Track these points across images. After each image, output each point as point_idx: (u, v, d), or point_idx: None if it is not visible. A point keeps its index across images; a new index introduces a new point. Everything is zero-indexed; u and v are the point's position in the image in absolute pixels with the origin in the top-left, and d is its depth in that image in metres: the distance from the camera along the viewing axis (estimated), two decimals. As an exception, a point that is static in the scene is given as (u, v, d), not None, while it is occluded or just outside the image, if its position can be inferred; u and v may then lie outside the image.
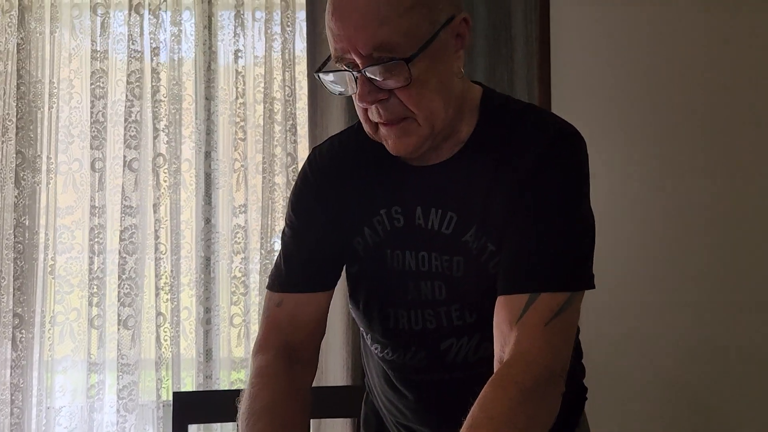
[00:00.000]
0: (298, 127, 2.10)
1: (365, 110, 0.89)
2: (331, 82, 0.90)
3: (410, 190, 0.95)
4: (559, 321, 0.83)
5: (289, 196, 1.07)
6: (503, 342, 0.84)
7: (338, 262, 1.02)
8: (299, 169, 1.09)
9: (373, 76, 0.84)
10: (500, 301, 0.86)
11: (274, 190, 2.09)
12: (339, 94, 0.92)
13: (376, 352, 1.05)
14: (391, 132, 0.88)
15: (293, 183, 1.06)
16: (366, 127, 0.92)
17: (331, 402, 1.49)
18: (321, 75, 0.90)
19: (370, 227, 0.98)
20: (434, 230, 0.94)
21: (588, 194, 0.91)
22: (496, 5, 2.02)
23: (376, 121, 0.88)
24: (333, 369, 1.98)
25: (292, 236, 1.02)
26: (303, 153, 2.08)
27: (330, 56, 0.89)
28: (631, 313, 1.99)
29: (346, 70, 0.86)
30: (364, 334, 1.06)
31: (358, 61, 0.84)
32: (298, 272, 1.00)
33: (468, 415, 0.76)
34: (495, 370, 0.83)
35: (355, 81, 0.85)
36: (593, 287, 0.88)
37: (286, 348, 0.98)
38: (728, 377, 1.98)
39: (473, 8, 2.02)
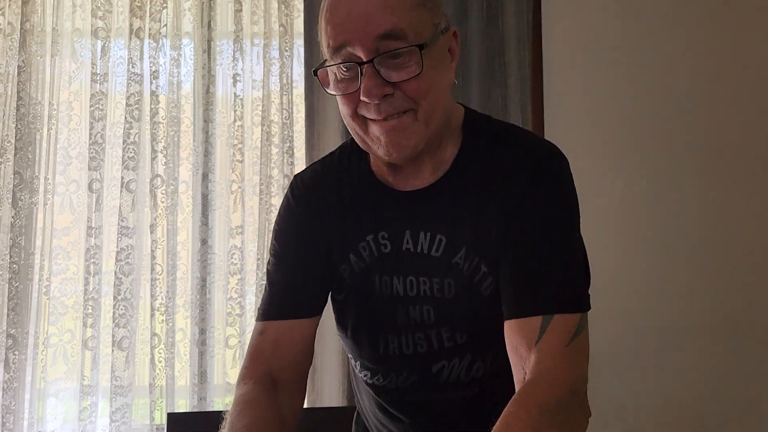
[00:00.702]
0: (295, 150, 2.12)
1: (355, 107, 0.85)
2: (326, 80, 0.87)
3: (397, 215, 0.94)
4: (579, 341, 0.83)
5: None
6: (523, 364, 0.83)
7: (323, 289, 1.00)
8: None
9: (380, 69, 0.81)
10: (512, 324, 0.85)
11: (271, 211, 2.10)
12: (332, 94, 0.88)
13: (365, 379, 1.04)
14: (386, 127, 0.84)
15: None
16: (354, 129, 0.89)
17: (326, 423, 1.48)
18: (320, 72, 0.86)
19: (355, 254, 0.96)
20: (423, 254, 0.93)
21: (578, 213, 0.91)
22: (490, 32, 2.07)
23: (372, 117, 0.85)
24: (328, 390, 1.97)
25: (276, 264, 1.00)
26: (300, 175, 2.10)
27: (325, 61, 0.86)
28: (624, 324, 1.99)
29: (348, 63, 0.82)
30: (353, 361, 1.05)
31: (362, 54, 0.81)
32: (280, 300, 0.98)
33: (494, 429, 0.75)
34: (516, 391, 0.82)
35: (359, 76, 0.81)
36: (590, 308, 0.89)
37: (269, 376, 0.95)
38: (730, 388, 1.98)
39: (468, 34, 2.06)
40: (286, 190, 1.03)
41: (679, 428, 1.96)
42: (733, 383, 1.98)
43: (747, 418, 1.94)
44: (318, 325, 1.00)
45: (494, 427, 0.75)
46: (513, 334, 0.85)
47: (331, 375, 1.96)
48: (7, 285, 1.99)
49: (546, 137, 2.05)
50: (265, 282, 1.02)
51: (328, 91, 0.87)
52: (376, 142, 0.87)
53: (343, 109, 0.87)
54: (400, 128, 0.84)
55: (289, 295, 0.97)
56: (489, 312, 0.89)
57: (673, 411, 1.98)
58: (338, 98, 0.87)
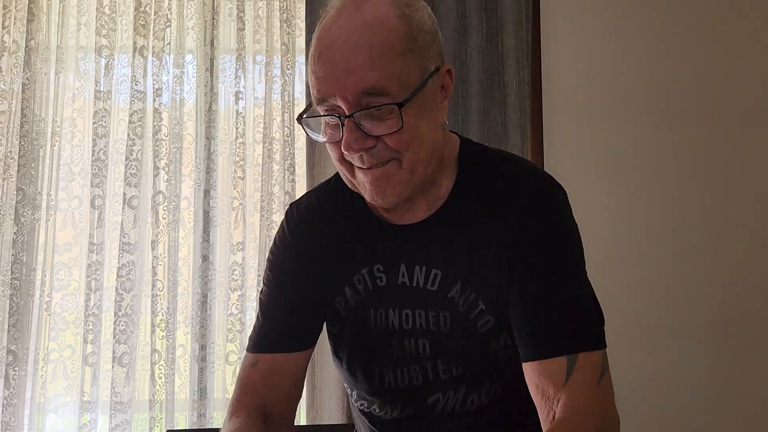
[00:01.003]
0: (296, 167, 2.14)
1: (341, 153, 0.84)
2: (311, 130, 0.87)
3: (392, 248, 0.94)
4: (606, 379, 0.83)
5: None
6: (550, 405, 0.82)
7: (316, 322, 1.00)
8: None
9: (361, 122, 0.81)
10: (534, 366, 0.84)
11: (272, 228, 2.11)
12: (317, 142, 0.88)
13: (361, 408, 1.04)
14: (370, 176, 0.84)
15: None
16: (343, 173, 0.89)
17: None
18: (304, 121, 0.86)
19: (350, 287, 0.96)
20: (419, 287, 0.92)
21: (582, 247, 0.90)
22: (489, 52, 2.09)
23: (357, 165, 0.85)
24: (327, 407, 1.97)
25: (269, 295, 0.99)
26: (300, 191, 2.12)
27: (310, 104, 0.86)
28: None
29: (330, 115, 0.82)
30: (349, 389, 1.05)
31: (344, 107, 0.80)
32: (273, 332, 0.97)
33: None
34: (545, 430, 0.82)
35: (340, 127, 0.81)
36: None
37: (260, 409, 0.95)
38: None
39: (468, 54, 2.09)
40: (282, 219, 1.03)
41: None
42: (734, 383, 1.98)
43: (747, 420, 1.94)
44: (311, 357, 1.00)
45: None
46: (537, 375, 0.84)
47: (331, 392, 1.96)
48: (8, 301, 2.00)
49: (545, 158, 2.09)
50: (257, 310, 1.01)
51: (312, 136, 0.88)
52: (362, 188, 0.87)
53: (331, 154, 0.87)
54: (384, 177, 0.84)
55: (282, 327, 0.97)
56: (485, 348, 0.90)
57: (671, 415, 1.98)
58: (326, 144, 0.87)
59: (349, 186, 0.90)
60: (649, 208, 2.06)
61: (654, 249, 2.05)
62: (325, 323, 1.01)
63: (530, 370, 0.84)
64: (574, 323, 0.84)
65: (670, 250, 2.05)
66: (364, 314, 0.96)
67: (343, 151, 0.83)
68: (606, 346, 0.85)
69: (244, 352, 1.00)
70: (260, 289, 1.01)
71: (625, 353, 2.00)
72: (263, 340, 0.97)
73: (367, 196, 0.87)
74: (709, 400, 1.99)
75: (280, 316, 0.97)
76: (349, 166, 0.86)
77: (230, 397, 0.98)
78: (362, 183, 0.86)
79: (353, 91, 0.79)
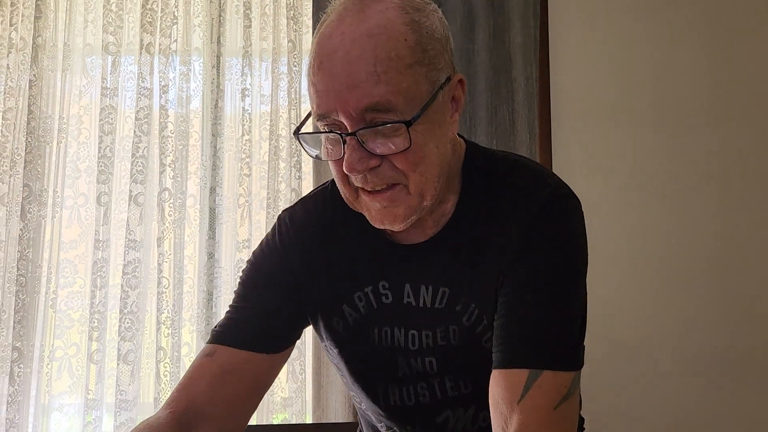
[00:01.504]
0: (302, 164, 2.13)
1: (346, 175, 0.78)
2: (309, 146, 0.80)
3: (397, 267, 0.89)
4: (568, 406, 0.75)
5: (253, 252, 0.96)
6: (503, 423, 0.76)
7: (291, 332, 0.93)
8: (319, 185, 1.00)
9: (365, 140, 0.74)
10: (496, 375, 0.78)
11: (278, 225, 2.10)
12: (316, 158, 0.81)
13: (371, 420, 1.01)
14: (376, 201, 0.78)
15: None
16: (345, 194, 0.82)
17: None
18: (301, 137, 0.79)
19: (350, 305, 0.91)
20: (426, 307, 0.87)
21: (585, 261, 0.84)
22: (496, 48, 2.08)
23: (360, 186, 0.79)
24: (334, 406, 1.95)
25: (244, 292, 0.92)
26: (307, 188, 2.11)
27: (309, 114, 0.79)
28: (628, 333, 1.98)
29: (330, 132, 0.76)
30: (356, 402, 1.01)
31: (346, 123, 0.74)
32: (240, 326, 0.89)
33: None
34: None
35: (342, 145, 0.75)
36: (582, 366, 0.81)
37: (194, 411, 0.84)
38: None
39: (475, 50, 2.08)
40: (273, 225, 0.95)
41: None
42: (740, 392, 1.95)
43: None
44: (278, 371, 0.92)
45: None
46: (495, 386, 0.78)
47: (337, 391, 1.95)
48: (14, 298, 1.99)
49: (554, 154, 2.07)
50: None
51: (310, 153, 0.81)
52: (367, 212, 0.81)
53: (333, 171, 0.81)
54: (392, 203, 0.78)
55: (252, 324, 0.89)
56: (489, 367, 0.83)
57: (674, 417, 1.95)
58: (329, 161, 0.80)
59: (350, 206, 0.83)
60: (659, 207, 2.04)
61: (665, 249, 2.03)
62: (321, 342, 0.96)
63: (492, 380, 0.79)
64: (547, 339, 0.77)
65: (681, 250, 2.02)
66: (367, 332, 0.91)
67: (345, 173, 0.76)
68: (580, 367, 0.78)
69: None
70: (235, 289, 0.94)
71: (635, 352, 1.98)
72: (227, 331, 0.89)
73: (373, 221, 0.81)
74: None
75: (253, 312, 0.89)
76: (353, 189, 0.80)
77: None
78: (367, 207, 0.80)
79: (356, 107, 0.73)
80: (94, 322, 2.02)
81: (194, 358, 2.09)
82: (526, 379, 0.75)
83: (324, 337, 0.94)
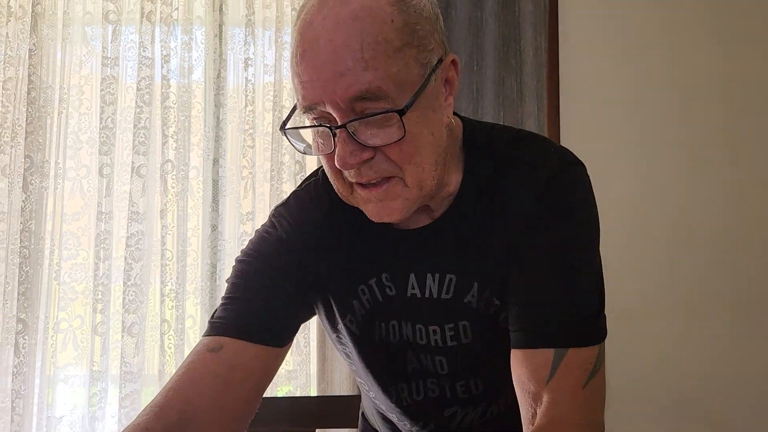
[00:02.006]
0: (306, 136, 2.10)
1: (338, 170, 0.74)
2: (297, 141, 0.75)
3: (400, 256, 0.85)
4: (596, 382, 0.74)
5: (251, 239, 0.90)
6: (532, 400, 0.75)
7: (297, 325, 0.87)
8: (307, 175, 0.95)
9: (356, 132, 0.70)
10: (519, 355, 0.77)
11: (282, 197, 2.07)
12: (304, 153, 0.76)
13: (380, 408, 1.00)
14: (372, 195, 0.74)
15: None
16: (338, 189, 0.77)
17: (337, 411, 1.46)
18: (288, 132, 0.74)
19: (357, 300, 0.87)
20: (432, 298, 0.84)
21: (598, 229, 0.81)
22: (506, 17, 2.03)
23: (354, 181, 0.74)
24: (338, 378, 1.95)
25: (245, 279, 0.85)
26: (311, 161, 2.08)
27: (294, 107, 0.75)
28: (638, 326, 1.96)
29: (320, 126, 0.71)
30: (364, 391, 1.00)
31: (335, 115, 0.69)
32: (250, 317, 0.81)
33: None
34: (525, 430, 0.75)
35: (332, 138, 0.71)
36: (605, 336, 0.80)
37: (191, 419, 0.74)
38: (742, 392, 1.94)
39: (483, 20, 2.03)
40: (268, 218, 0.90)
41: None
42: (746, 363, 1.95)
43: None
44: (277, 369, 0.85)
45: None
46: (520, 366, 0.76)
47: (341, 363, 1.94)
48: (17, 269, 1.99)
49: (561, 126, 2.04)
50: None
51: (298, 149, 0.76)
52: (363, 206, 0.77)
53: (324, 165, 0.77)
54: (387, 196, 0.74)
55: (261, 314, 0.81)
56: (508, 347, 0.80)
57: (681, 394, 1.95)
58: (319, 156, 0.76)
59: (345, 200, 0.79)
60: (666, 182, 2.01)
61: (672, 227, 2.00)
62: (330, 331, 0.92)
63: (515, 360, 0.77)
64: (568, 316, 0.76)
65: (688, 231, 2.00)
66: (375, 327, 0.88)
67: (338, 167, 0.72)
68: (604, 338, 0.77)
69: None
70: (228, 279, 0.86)
71: (651, 330, 1.96)
72: (234, 323, 0.80)
73: (370, 215, 0.76)
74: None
75: (259, 304, 0.82)
76: (347, 184, 0.76)
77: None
78: (363, 201, 0.76)
79: (344, 97, 0.68)
80: (98, 294, 2.02)
81: (198, 331, 2.09)
82: (552, 359, 0.74)
83: (334, 330, 0.91)
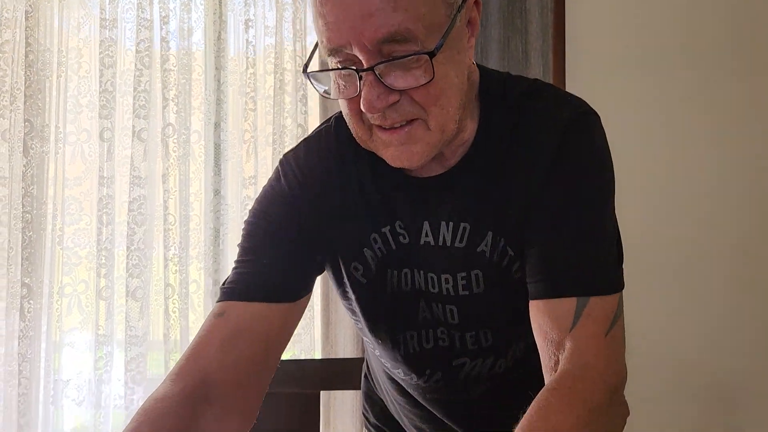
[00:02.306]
0: (308, 98, 2.07)
1: (357, 109, 0.72)
2: (319, 83, 0.74)
3: (414, 204, 0.84)
4: (617, 330, 0.75)
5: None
6: (554, 348, 0.75)
7: (305, 276, 0.86)
8: (319, 123, 0.93)
9: (382, 75, 0.69)
10: (540, 305, 0.77)
11: (284, 162, 2.06)
12: (324, 95, 0.75)
13: (386, 366, 0.99)
14: (393, 138, 0.73)
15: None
16: (357, 132, 0.76)
17: (341, 374, 1.47)
18: (311, 75, 0.73)
19: (369, 248, 0.86)
20: (446, 246, 0.83)
21: (614, 178, 0.81)
22: (511, -24, 1.99)
23: (377, 124, 0.74)
24: (342, 341, 1.96)
25: (252, 241, 0.84)
26: (313, 124, 2.06)
27: (316, 47, 0.73)
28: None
29: (344, 69, 0.70)
30: (372, 348, 0.99)
31: (362, 57, 0.68)
32: (253, 279, 0.81)
33: (524, 423, 0.67)
34: (548, 380, 0.74)
35: (357, 81, 0.69)
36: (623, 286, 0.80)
37: (206, 381, 0.76)
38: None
39: (488, -22, 1.98)
40: (275, 169, 0.88)
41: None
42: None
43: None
44: (293, 327, 0.85)
45: (529, 415, 0.68)
46: (542, 316, 0.76)
47: (345, 327, 1.95)
48: (20, 235, 1.98)
49: (568, 88, 2.00)
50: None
51: (320, 92, 0.75)
52: (383, 150, 0.76)
53: (344, 109, 0.76)
54: (411, 140, 0.73)
55: (264, 274, 0.81)
56: (519, 299, 0.81)
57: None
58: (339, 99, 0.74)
59: (363, 145, 0.78)
60: (676, 140, 1.98)
61: (687, 186, 1.98)
62: (336, 286, 0.92)
63: (536, 310, 0.77)
64: (589, 264, 0.76)
65: (704, 188, 1.98)
66: (387, 275, 0.87)
67: (363, 111, 0.71)
68: (623, 288, 0.78)
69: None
70: (238, 243, 0.86)
71: (658, 288, 1.96)
72: (237, 287, 0.81)
73: (389, 159, 0.76)
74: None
75: (263, 264, 0.82)
76: (366, 127, 0.75)
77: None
78: (383, 145, 0.75)
79: (372, 39, 0.67)
80: (101, 259, 2.02)
81: (203, 295, 2.10)
82: (575, 308, 0.74)
83: (341, 283, 0.90)
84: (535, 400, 0.69)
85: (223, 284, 0.84)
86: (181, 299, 2.02)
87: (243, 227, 0.87)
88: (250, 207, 2.03)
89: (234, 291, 0.81)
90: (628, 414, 0.76)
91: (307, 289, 0.86)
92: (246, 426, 0.80)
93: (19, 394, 1.94)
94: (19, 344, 1.96)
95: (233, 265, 0.85)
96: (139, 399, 1.99)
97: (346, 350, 1.95)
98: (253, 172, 2.07)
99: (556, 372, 0.73)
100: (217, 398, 0.77)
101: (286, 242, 0.83)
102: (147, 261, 2.03)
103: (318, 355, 2.01)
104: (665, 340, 1.95)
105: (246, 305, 0.80)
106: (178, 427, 0.72)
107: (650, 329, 1.89)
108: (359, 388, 1.31)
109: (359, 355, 1.90)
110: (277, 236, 0.83)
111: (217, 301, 0.82)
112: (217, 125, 2.05)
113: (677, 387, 1.94)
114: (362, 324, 0.94)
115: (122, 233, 2.03)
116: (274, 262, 0.82)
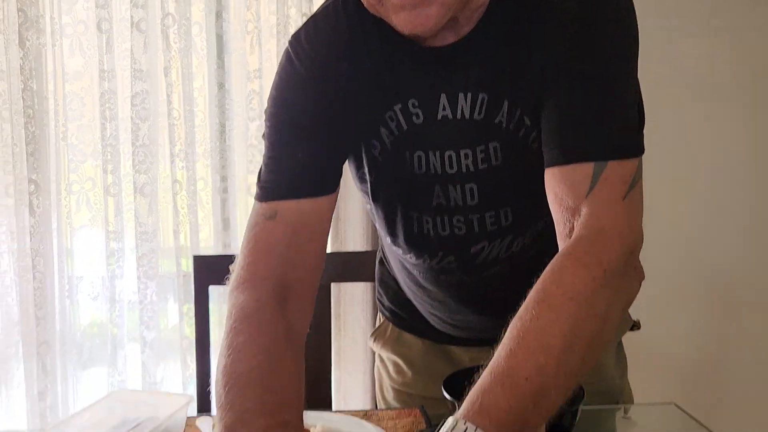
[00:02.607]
0: (314, -14, 1.98)
1: None
2: None
3: (429, 76, 0.81)
4: (635, 193, 0.73)
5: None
6: (569, 215, 0.74)
7: (339, 162, 0.87)
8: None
9: None
10: (556, 172, 0.75)
11: (290, 54, 1.99)
12: None
13: (397, 252, 0.99)
14: (407, 0, 0.71)
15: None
16: None
17: (350, 267, 1.47)
18: None
19: (385, 126, 0.84)
20: (464, 119, 0.81)
21: (638, 39, 0.78)
22: None
23: None
24: (352, 236, 1.97)
25: (279, 134, 0.84)
26: (319, 13, 1.97)
27: None
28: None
29: None
30: (383, 233, 0.98)
31: None
32: (293, 173, 0.81)
33: (538, 287, 0.66)
34: (562, 247, 0.74)
35: None
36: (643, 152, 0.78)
37: (279, 282, 0.78)
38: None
39: None
40: (285, 51, 0.86)
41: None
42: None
43: None
44: (334, 208, 0.86)
45: (542, 280, 0.67)
46: (557, 182, 0.75)
47: (355, 222, 1.95)
48: (23, 130, 1.95)
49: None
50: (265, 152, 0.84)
51: None
52: (394, 16, 0.73)
53: None
54: (424, 3, 0.70)
55: (304, 167, 0.82)
56: (537, 171, 0.79)
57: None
58: None
59: (371, 11, 0.76)
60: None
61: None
62: (356, 170, 0.91)
63: (552, 178, 0.76)
64: (608, 128, 0.74)
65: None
66: (401, 157, 0.85)
67: None
68: (642, 152, 0.76)
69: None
70: (263, 132, 0.85)
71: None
72: (281, 184, 0.81)
73: (401, 24, 0.73)
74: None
75: (300, 154, 0.82)
76: None
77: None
78: (395, 9, 0.72)
79: None
80: (107, 155, 1.99)
81: (210, 193, 2.07)
82: (591, 173, 0.72)
83: (360, 164, 0.89)
84: (549, 264, 0.69)
85: (260, 182, 0.83)
86: (189, 196, 2.02)
87: (265, 119, 0.86)
88: (255, 101, 2.00)
89: (280, 190, 0.81)
90: (643, 278, 0.75)
91: (341, 176, 0.87)
92: (312, 312, 0.82)
93: (35, 288, 1.97)
94: (31, 240, 1.97)
95: (263, 161, 0.83)
96: (153, 294, 2.03)
97: (355, 245, 1.96)
98: (257, 65, 2.01)
99: (570, 238, 0.72)
100: (295, 298, 0.79)
101: (313, 131, 0.82)
102: (153, 157, 2.01)
103: (328, 250, 2.03)
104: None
105: (296, 203, 0.80)
106: (283, 323, 0.74)
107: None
108: (369, 280, 1.32)
109: (369, 248, 1.91)
110: (304, 126, 0.82)
111: (261, 201, 0.82)
112: (218, 15, 1.97)
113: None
114: (378, 207, 0.92)
115: (126, 129, 2.00)
116: (308, 154, 0.82)
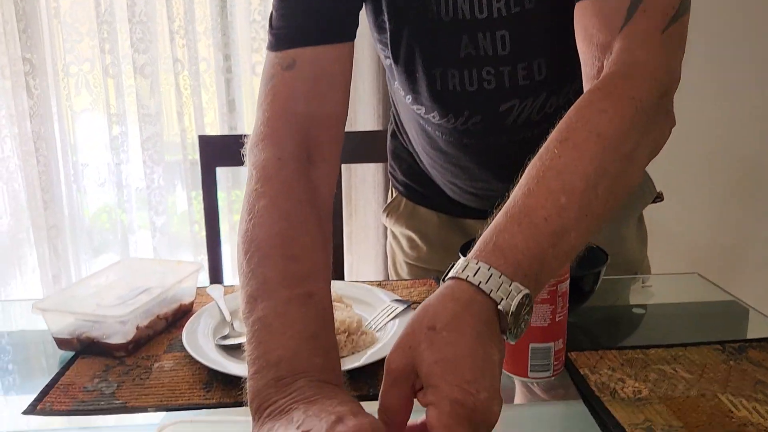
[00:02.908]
0: None
1: None
2: None
3: None
4: (677, 28, 0.64)
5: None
6: (599, 53, 0.65)
7: (356, 6, 0.79)
8: None
9: None
10: (587, 5, 0.67)
11: None
12: None
13: (419, 112, 0.92)
14: None
15: None
16: None
17: (361, 147, 1.42)
18: None
19: None
20: None
21: None
22: None
23: None
24: (363, 117, 1.90)
25: None
26: None
27: None
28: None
29: None
30: (402, 93, 0.91)
31: None
32: (310, 19, 0.73)
33: (561, 125, 0.59)
34: (588, 87, 0.66)
35: None
36: None
37: (302, 138, 0.70)
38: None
39: None
40: None
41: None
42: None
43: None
44: (353, 57, 0.77)
45: (567, 116, 0.60)
46: (589, 16, 0.66)
47: (366, 100, 1.87)
48: (13, 6, 1.84)
49: None
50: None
51: None
52: None
53: None
54: None
55: (323, 11, 0.74)
56: (572, 17, 0.71)
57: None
58: None
59: None
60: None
61: None
62: (374, 18, 0.83)
63: (582, 11, 0.67)
64: None
65: None
66: (426, 2, 0.78)
67: None
68: None
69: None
70: None
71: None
72: (297, 30, 0.73)
73: None
74: None
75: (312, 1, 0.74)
76: None
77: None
78: None
79: None
80: (103, 34, 1.89)
81: (213, 74, 1.98)
82: (628, 3, 0.63)
83: (378, 10, 0.81)
84: (576, 102, 0.61)
85: (273, 29, 0.74)
86: (191, 76, 1.93)
87: None
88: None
89: (295, 36, 0.73)
90: (674, 124, 0.66)
91: (357, 25, 0.77)
92: (338, 172, 0.76)
93: (39, 172, 1.93)
94: (31, 123, 1.91)
95: (274, 6, 0.75)
96: (159, 178, 1.99)
97: (366, 125, 1.89)
98: (258, -68, 1.86)
99: (598, 79, 0.64)
100: (320, 158, 0.71)
101: None
102: (152, 35, 1.90)
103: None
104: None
105: (314, 50, 0.72)
106: (308, 183, 0.68)
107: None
108: (381, 161, 1.26)
109: (379, 128, 1.85)
110: None
111: (275, 50, 0.73)
112: None
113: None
114: (396, 62, 0.85)
115: (121, 5, 1.88)
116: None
